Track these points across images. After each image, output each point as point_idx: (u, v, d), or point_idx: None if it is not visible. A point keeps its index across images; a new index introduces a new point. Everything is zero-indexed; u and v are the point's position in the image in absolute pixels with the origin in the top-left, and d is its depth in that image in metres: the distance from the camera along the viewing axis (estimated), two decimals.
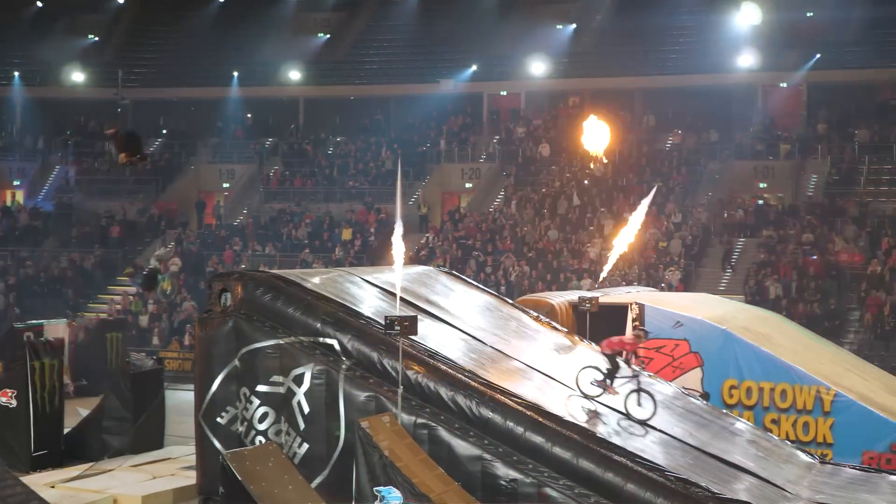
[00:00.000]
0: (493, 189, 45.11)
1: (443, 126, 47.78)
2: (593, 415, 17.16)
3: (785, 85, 45.73)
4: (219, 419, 17.77)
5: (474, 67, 48.44)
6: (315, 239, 42.20)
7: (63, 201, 46.98)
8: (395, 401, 16.50)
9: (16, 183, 49.74)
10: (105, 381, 26.51)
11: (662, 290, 33.03)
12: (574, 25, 49.99)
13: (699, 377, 22.41)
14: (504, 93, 49.28)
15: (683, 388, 20.77)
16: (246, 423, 17.63)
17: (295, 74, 49.86)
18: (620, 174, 42.77)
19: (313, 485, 16.61)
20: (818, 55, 44.52)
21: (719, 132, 44.23)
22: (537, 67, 47.40)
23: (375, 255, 40.59)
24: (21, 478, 17.23)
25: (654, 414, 17.49)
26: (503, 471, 15.77)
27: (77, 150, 49.81)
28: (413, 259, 39.09)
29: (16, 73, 51.34)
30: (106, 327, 32.61)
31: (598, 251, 37.56)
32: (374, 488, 15.30)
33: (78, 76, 51.10)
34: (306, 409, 17.24)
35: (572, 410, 16.87)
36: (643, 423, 17.31)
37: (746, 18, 46.28)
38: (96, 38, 54.03)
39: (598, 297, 23.36)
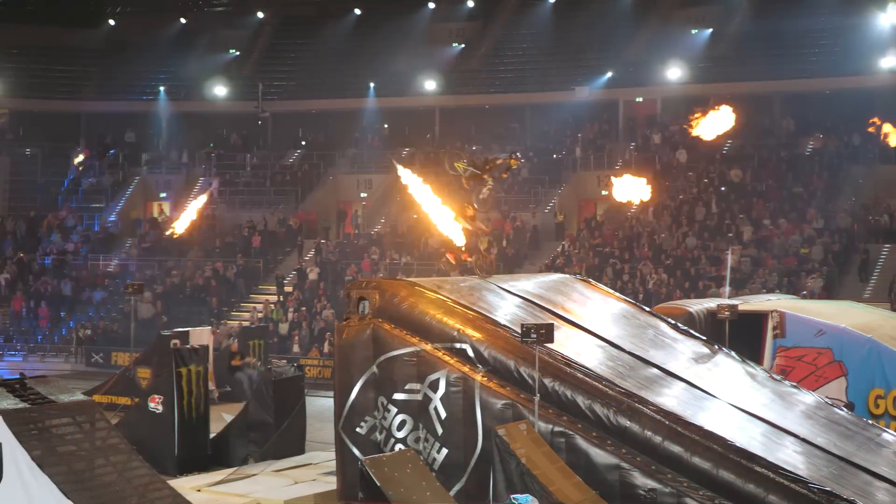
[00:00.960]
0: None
1: (578, 133, 47.62)
2: (736, 423, 16.91)
3: None
4: (358, 429, 18.00)
5: (610, 74, 48.16)
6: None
7: (206, 213, 48.13)
8: (532, 409, 16.52)
9: (162, 195, 51.16)
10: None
11: (804, 297, 32.37)
12: (711, 29, 49.34)
13: (843, 387, 21.93)
14: (640, 99, 48.89)
15: (827, 397, 20.34)
16: (385, 432, 17.84)
17: (430, 84, 50.25)
18: (760, 180, 42.06)
19: (452, 492, 16.73)
20: None
21: (863, 136, 43.15)
22: (673, 73, 46.93)
23: (512, 263, 40.64)
24: (168, 482, 17.74)
25: None
26: (641, 480, 15.65)
27: (219, 163, 50.99)
28: (549, 267, 39.07)
29: (161, 88, 52.81)
30: (248, 335, 33.31)
31: (737, 258, 37.00)
32: (511, 496, 15.34)
33: (220, 90, 52.32)
34: (443, 415, 17.38)
35: (713, 420, 16.66)
36: (786, 432, 17.01)
37: (890, 18, 45.09)
38: (237, 53, 55.29)
39: (737, 305, 23.04)
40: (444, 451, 17.31)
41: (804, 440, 16.99)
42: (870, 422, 20.12)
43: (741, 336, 22.46)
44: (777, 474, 15.10)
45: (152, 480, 16.84)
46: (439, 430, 17.38)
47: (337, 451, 18.67)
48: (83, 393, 18.80)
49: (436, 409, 17.46)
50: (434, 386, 17.53)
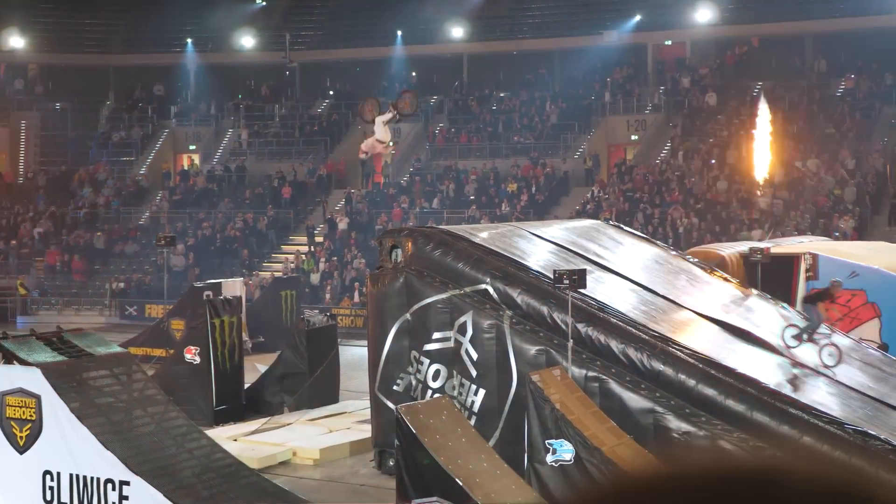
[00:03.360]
0: (659, 141, 44.54)
1: (607, 78, 47.30)
2: (770, 367, 16.92)
3: None
4: (395, 387, 18.04)
5: (638, 17, 47.72)
6: (481, 195, 42.41)
7: (236, 164, 48.24)
8: (566, 354, 16.56)
9: (191, 147, 51.28)
10: (281, 337, 27.34)
11: (836, 239, 32.19)
12: None
13: (877, 328, 21.86)
14: (669, 42, 48.48)
15: (861, 339, 20.28)
16: (420, 385, 17.92)
17: (458, 31, 49.97)
18: (791, 121, 41.70)
19: (491, 441, 16.82)
20: None
21: (895, 75, 42.69)
22: (702, 15, 46.43)
23: (542, 209, 40.58)
24: (205, 431, 17.93)
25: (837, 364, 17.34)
26: (675, 423, 15.69)
27: (248, 114, 51.01)
28: (580, 213, 38.99)
29: (188, 41, 52.76)
30: (280, 285, 33.49)
31: (768, 201, 36.79)
32: (546, 441, 15.41)
33: (247, 41, 52.22)
34: (475, 356, 17.46)
35: (746, 362, 16.66)
36: (820, 373, 17.01)
37: None
38: (263, 3, 55.08)
39: (769, 248, 22.95)
40: (482, 391, 17.37)
41: (838, 381, 16.98)
42: None
43: (774, 279, 22.39)
44: (811, 415, 15.11)
45: (189, 430, 17.02)
46: (473, 373, 17.47)
47: (372, 399, 18.79)
48: (119, 345, 18.99)
49: (467, 351, 17.54)
50: (462, 329, 17.61)
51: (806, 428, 14.96)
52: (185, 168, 49.65)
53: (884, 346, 20.96)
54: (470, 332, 17.55)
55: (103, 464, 15.27)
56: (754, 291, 20.81)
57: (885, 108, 41.98)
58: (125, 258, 44.05)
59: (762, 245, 23.93)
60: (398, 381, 18.12)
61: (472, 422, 17.29)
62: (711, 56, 47.14)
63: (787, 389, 15.74)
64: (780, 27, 45.34)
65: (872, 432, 14.95)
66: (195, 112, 52.01)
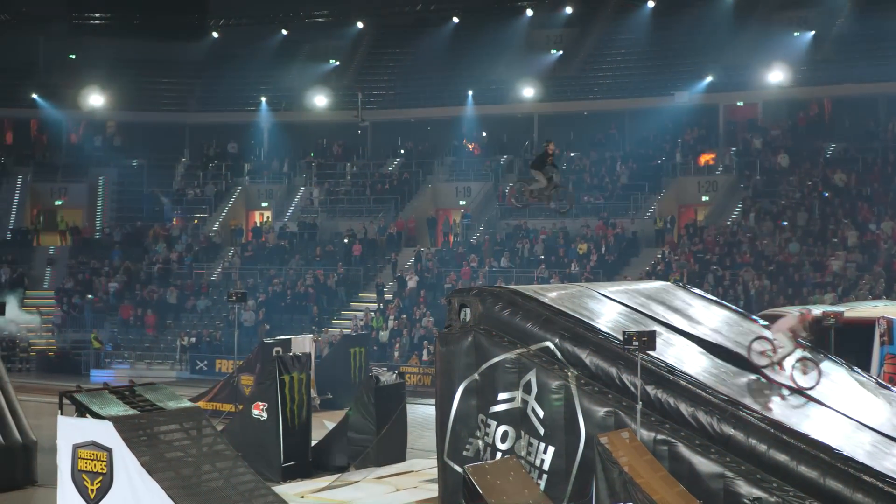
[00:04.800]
0: (730, 202, 44.25)
1: (678, 139, 47.20)
2: (843, 431, 16.64)
3: None
4: (464, 453, 17.98)
5: (710, 78, 47.65)
6: (551, 254, 42.38)
7: (307, 221, 48.70)
8: (634, 417, 16.44)
9: (264, 204, 51.88)
10: (349, 394, 27.41)
11: None
12: (813, 31, 48.53)
13: None
14: (740, 103, 48.30)
15: None
16: (490, 449, 17.86)
17: (528, 91, 50.22)
18: (865, 183, 41.29)
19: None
20: None
21: None
22: (775, 76, 46.24)
23: (611, 269, 40.43)
24: (272, 488, 18.00)
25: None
26: (746, 489, 15.49)
27: (319, 172, 51.56)
28: (649, 274, 38.80)
29: (263, 99, 53.56)
30: (349, 342, 33.63)
31: (841, 263, 36.37)
32: None
33: (320, 100, 52.87)
34: (541, 414, 17.39)
35: (819, 428, 16.42)
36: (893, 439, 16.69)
37: None
38: (336, 63, 55.82)
39: (842, 312, 22.67)
40: (551, 449, 17.27)
41: None
42: None
43: (847, 343, 22.08)
44: (886, 484, 14.83)
45: (257, 486, 17.12)
46: (541, 431, 17.40)
47: (439, 457, 18.75)
48: (189, 400, 19.17)
49: (533, 410, 17.49)
50: (528, 388, 17.57)
51: (881, 497, 14.69)
52: (258, 225, 50.23)
53: None
54: (535, 389, 17.52)
55: None
56: (827, 356, 20.52)
57: None
58: (196, 313, 44.54)
59: (836, 309, 23.64)
60: (467, 446, 18.06)
61: (544, 480, 17.19)
62: (783, 117, 46.90)
63: (860, 456, 15.47)
64: (854, 88, 45.01)
65: None
66: (268, 170, 52.68)
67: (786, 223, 40.31)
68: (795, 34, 48.68)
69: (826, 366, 19.89)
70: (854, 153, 43.16)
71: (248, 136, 53.78)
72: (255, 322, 41.44)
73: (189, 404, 17.90)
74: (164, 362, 41.86)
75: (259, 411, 22.33)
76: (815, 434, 15.85)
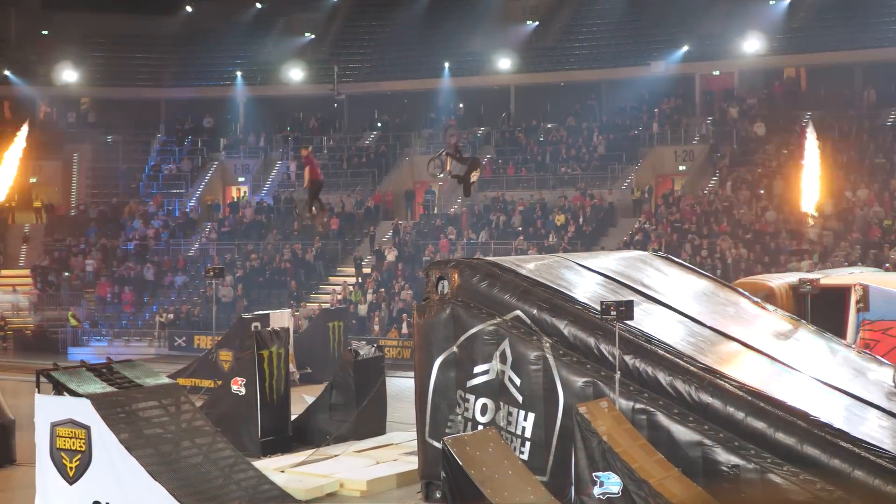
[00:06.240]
0: (707, 171, 44.35)
1: (655, 109, 47.22)
2: (819, 398, 16.73)
3: None
4: (447, 431, 17.97)
5: (685, 48, 47.65)
6: (528, 226, 42.40)
7: (284, 196, 48.58)
8: (613, 386, 16.48)
9: (240, 179, 51.72)
10: (328, 368, 27.41)
11: (887, 270, 31.85)
12: (788, 0, 48.55)
13: None
14: (716, 72, 48.34)
15: None
16: (470, 423, 17.88)
17: (505, 63, 50.11)
18: (841, 151, 41.40)
19: (546, 474, 16.76)
20: None
21: None
22: (750, 45, 46.27)
23: (589, 240, 40.49)
24: (252, 462, 18.00)
25: None
26: (724, 456, 15.56)
27: (296, 146, 51.38)
28: (627, 244, 38.86)
29: (238, 73, 53.30)
30: (328, 316, 33.58)
31: (818, 231, 36.50)
32: (593, 474, 15.34)
33: (296, 74, 52.65)
34: (518, 382, 17.42)
35: (796, 394, 16.49)
36: (871, 405, 16.79)
37: None
38: (312, 36, 55.54)
39: (819, 279, 22.75)
40: (531, 416, 17.30)
41: (890, 413, 16.77)
42: None
43: (824, 310, 22.19)
44: (863, 449, 14.91)
45: (237, 461, 17.11)
46: (519, 399, 17.42)
47: (419, 429, 18.77)
48: (168, 376, 19.11)
49: (510, 379, 17.51)
50: (503, 357, 17.60)
51: (857, 462, 14.77)
52: (234, 200, 50.04)
53: None
54: (511, 359, 17.54)
55: (152, 495, 15.35)
56: (804, 323, 20.62)
57: None
58: (174, 290, 44.41)
59: (812, 276, 23.73)
60: (449, 424, 18.07)
61: (527, 448, 17.23)
62: (759, 86, 46.96)
63: (837, 422, 15.55)
64: (830, 57, 45.08)
65: None
66: (244, 144, 52.48)
67: (762, 191, 40.41)
68: (771, 2, 48.67)
69: (803, 333, 19.98)
70: (830, 121, 43.24)
71: (223, 111, 53.57)
72: (234, 297, 41.36)
73: (167, 381, 17.84)
74: (143, 339, 41.72)
75: (238, 386, 22.29)
76: (792, 401, 15.92)
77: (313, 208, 24.46)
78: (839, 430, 15.28)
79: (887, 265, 33.28)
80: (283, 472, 19.65)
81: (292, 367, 27.06)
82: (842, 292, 22.76)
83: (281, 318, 29.78)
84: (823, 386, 17.26)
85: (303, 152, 24.77)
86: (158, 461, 15.85)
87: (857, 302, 22.19)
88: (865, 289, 22.26)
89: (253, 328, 25.44)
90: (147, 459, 15.65)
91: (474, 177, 23.43)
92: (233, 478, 16.58)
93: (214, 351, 29.59)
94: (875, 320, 22.24)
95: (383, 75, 52.41)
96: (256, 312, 31.80)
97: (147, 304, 43.87)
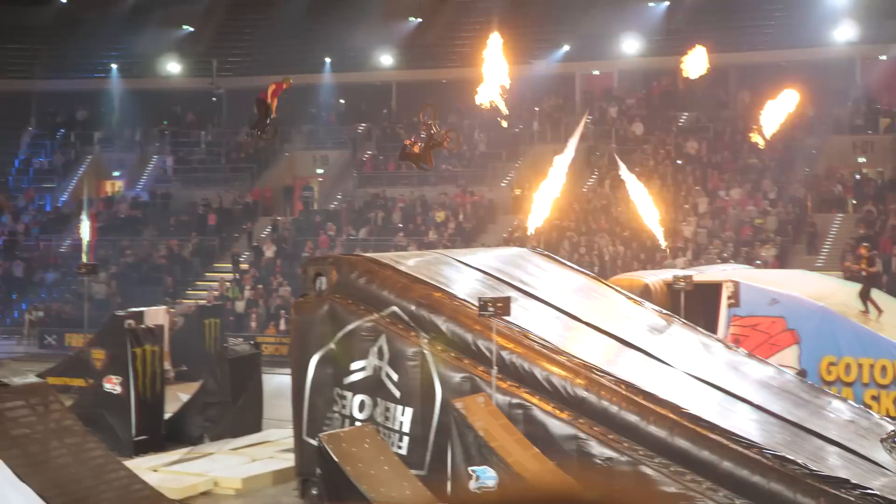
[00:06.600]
0: (586, 169, 44.83)
1: (536, 107, 47.57)
2: (691, 392, 17.00)
3: (884, 57, 44.64)
4: (324, 429, 17.84)
5: (566, 47, 48.11)
6: (409, 222, 42.37)
7: (161, 191, 47.79)
8: (490, 381, 16.53)
9: (115, 174, 50.69)
10: (204, 366, 27.00)
11: (758, 267, 32.58)
12: (667, 2, 49.33)
13: (796, 354, 22.11)
14: (597, 72, 48.91)
15: (780, 365, 20.49)
16: (348, 421, 17.78)
17: (387, 59, 50.02)
18: (715, 151, 42.22)
19: (425, 468, 16.73)
20: None
21: (816, 107, 43.37)
22: (630, 46, 46.93)
23: (469, 237, 40.62)
24: (124, 462, 17.64)
25: None
26: (598, 449, 15.73)
27: (173, 141, 50.59)
28: (507, 241, 39.06)
29: (113, 66, 52.25)
30: (204, 313, 33.10)
31: (693, 229, 37.16)
32: (470, 468, 15.35)
33: (173, 67, 51.83)
34: (395, 377, 17.39)
35: (668, 388, 16.74)
36: (740, 399, 17.12)
37: None
38: (190, 29, 54.72)
39: (692, 276, 23.14)
40: (409, 411, 17.26)
41: (758, 407, 17.12)
42: (822, 389, 20.31)
43: (697, 307, 22.57)
44: (731, 441, 15.20)
45: (108, 461, 16.74)
46: (397, 394, 17.38)
47: (295, 426, 18.60)
48: (36, 375, 18.65)
49: (388, 374, 17.46)
50: (380, 354, 17.54)
51: (726, 453, 15.05)
52: (109, 195, 49.05)
53: (802, 373, 21.20)
54: (388, 355, 17.49)
55: (19, 497, 14.93)
56: (677, 319, 20.95)
57: (806, 139, 42.64)
58: (45, 287, 43.32)
59: (686, 273, 24.12)
60: (326, 421, 17.94)
61: (405, 443, 17.18)
62: (638, 86, 47.64)
63: (708, 415, 15.82)
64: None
65: (791, 457, 15.08)
66: (119, 138, 51.44)
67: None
68: (650, 4, 49.41)
69: (676, 328, 20.30)
70: (705, 122, 44.07)
71: (98, 104, 52.42)
72: (108, 295, 40.53)
73: (36, 380, 17.45)
74: (11, 337, 40.61)
75: (111, 385, 21.84)
76: (664, 395, 16.16)
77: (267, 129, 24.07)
78: (709, 422, 15.56)
79: (758, 262, 34.05)
80: (156, 471, 19.30)
81: (167, 365, 26.61)
82: (714, 289, 23.18)
83: (156, 316, 29.27)
84: (695, 380, 17.54)
85: (285, 84, 24.15)
86: (26, 462, 15.43)
87: (729, 298, 22.62)
88: (736, 285, 22.72)
89: (127, 326, 24.91)
90: (14, 461, 15.21)
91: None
92: (103, 478, 16.23)
93: (87, 349, 28.91)
94: (745, 316, 22.71)
95: (263, 70, 51.73)
96: (131, 310, 31.14)
97: (16, 302, 42.72)
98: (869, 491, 14.43)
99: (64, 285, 42.90)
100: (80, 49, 52.37)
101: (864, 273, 23.48)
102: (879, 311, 22.92)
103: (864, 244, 26.74)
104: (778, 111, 25.72)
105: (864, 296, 23.20)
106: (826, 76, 43.99)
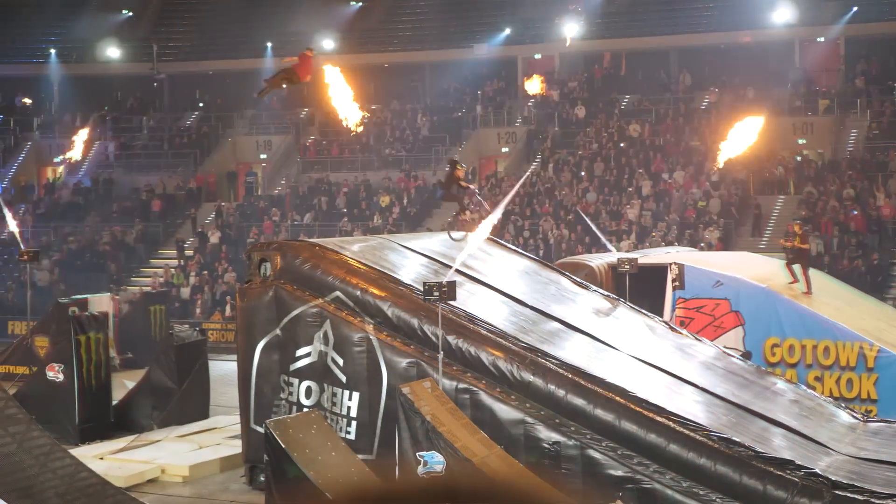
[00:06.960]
0: (529, 153, 45.01)
1: (478, 91, 47.64)
2: (637, 375, 17.17)
3: (822, 39, 45.19)
4: (272, 415, 17.81)
5: (507, 31, 48.20)
6: (353, 207, 42.31)
7: (103, 177, 47.31)
8: (436, 366, 16.58)
9: (56, 160, 50.09)
10: (150, 353, 26.84)
11: (702, 249, 32.90)
12: None
13: (740, 336, 22.36)
14: (538, 56, 49.04)
15: (724, 347, 20.73)
16: (295, 407, 17.77)
17: (329, 43, 49.79)
18: (657, 134, 42.53)
19: (374, 453, 16.78)
20: (855, 8, 43.94)
21: (756, 89, 43.82)
22: (570, 29, 47.09)
23: (414, 221, 40.64)
24: (70, 450, 17.51)
25: None
26: (546, 434, 15.83)
27: (115, 126, 50.10)
28: (451, 225, 39.09)
29: (52, 51, 51.61)
30: (149, 300, 32.92)
31: (636, 212, 37.43)
32: (417, 453, 15.40)
33: (113, 52, 51.28)
34: (341, 362, 17.41)
35: (615, 372, 16.88)
36: (686, 382, 17.32)
37: None
38: (130, 14, 54.15)
39: (637, 259, 23.32)
40: (356, 395, 17.29)
41: (703, 389, 17.32)
42: (766, 370, 20.58)
43: (642, 289, 22.76)
44: (677, 423, 15.37)
45: (53, 449, 16.60)
46: (343, 379, 17.40)
47: (242, 412, 18.57)
48: None
49: (333, 360, 17.48)
50: (325, 339, 17.56)
51: (672, 436, 15.22)
52: (50, 181, 48.50)
53: (747, 355, 21.45)
54: (332, 340, 17.51)
55: None
56: (622, 302, 21.12)
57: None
58: None
59: (630, 256, 24.31)
60: (274, 409, 17.92)
61: (353, 428, 17.21)
62: (580, 70, 47.83)
63: (654, 398, 15.98)
64: (646, 41, 46.25)
65: (736, 439, 15.28)
66: (59, 124, 50.85)
67: (583, 173, 41.21)
68: None
69: (622, 311, 20.46)
70: (647, 105, 44.37)
71: (37, 90, 51.78)
72: (51, 282, 40.12)
73: None
74: None
75: (54, 373, 21.67)
76: (611, 378, 16.29)
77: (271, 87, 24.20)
78: (655, 405, 15.72)
79: (702, 245, 34.38)
80: (102, 458, 19.21)
81: (113, 353, 26.45)
82: (659, 271, 23.37)
83: (100, 303, 29.07)
84: (641, 363, 17.71)
85: (308, 52, 24.04)
86: None
87: (673, 280, 22.81)
88: (681, 268, 22.91)
89: (70, 313, 24.70)
90: None
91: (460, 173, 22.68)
92: (48, 466, 16.09)
93: (30, 337, 28.63)
94: (689, 298, 22.93)
95: (204, 55, 51.49)
96: (74, 297, 30.89)
97: None
98: (813, 471, 14.66)
99: (6, 272, 42.40)
100: (19, 34, 51.68)
101: (793, 246, 23.74)
102: (809, 289, 23.20)
103: (797, 221, 27.05)
104: (742, 136, 26.02)
105: (790, 265, 23.55)
106: (765, 58, 44.49)
